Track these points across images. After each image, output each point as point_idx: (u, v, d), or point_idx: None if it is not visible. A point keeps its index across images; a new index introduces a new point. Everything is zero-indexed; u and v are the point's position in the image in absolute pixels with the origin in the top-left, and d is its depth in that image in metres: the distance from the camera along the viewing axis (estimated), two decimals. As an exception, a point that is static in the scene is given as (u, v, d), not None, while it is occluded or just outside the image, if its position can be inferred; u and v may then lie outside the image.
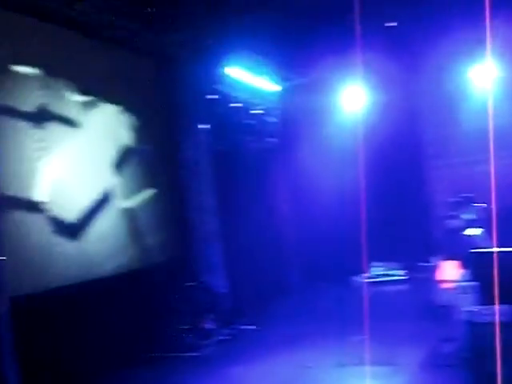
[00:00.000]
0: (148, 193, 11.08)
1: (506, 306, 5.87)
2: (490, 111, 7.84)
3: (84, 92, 9.67)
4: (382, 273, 14.67)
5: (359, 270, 12.88)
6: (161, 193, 11.35)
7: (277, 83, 14.03)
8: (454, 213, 8.75)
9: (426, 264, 12.03)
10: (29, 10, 8.42)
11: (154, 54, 11.30)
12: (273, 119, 14.77)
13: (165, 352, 9.90)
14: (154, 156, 11.30)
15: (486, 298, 6.07)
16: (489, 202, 9.44)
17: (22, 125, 8.40)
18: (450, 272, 8.28)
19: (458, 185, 12.86)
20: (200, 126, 12.04)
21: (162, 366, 9.45)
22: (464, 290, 7.20)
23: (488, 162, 13.05)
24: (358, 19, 9.03)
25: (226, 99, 12.72)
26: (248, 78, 12.97)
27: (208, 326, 10.65)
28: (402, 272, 14.63)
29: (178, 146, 11.95)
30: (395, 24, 11.90)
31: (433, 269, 8.98)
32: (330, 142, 13.97)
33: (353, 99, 13.15)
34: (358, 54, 9.93)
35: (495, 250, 6.68)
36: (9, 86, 8.22)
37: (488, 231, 8.47)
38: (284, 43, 11.71)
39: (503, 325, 5.80)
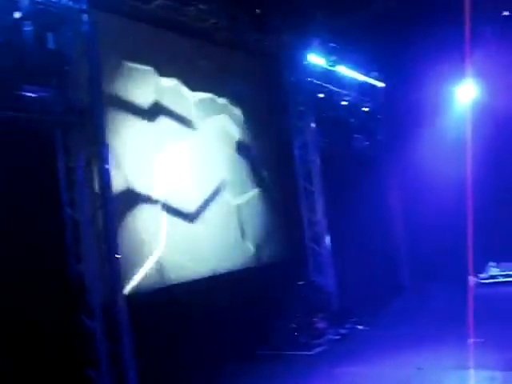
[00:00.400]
0: (257, 191, 11.27)
1: None
2: None
3: (197, 91, 10.08)
4: (498, 273, 14.09)
5: (474, 270, 12.46)
6: (271, 192, 11.54)
7: (385, 79, 13.84)
8: None
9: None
10: (142, 17, 8.91)
11: (262, 55, 11.51)
12: (381, 116, 14.60)
13: (277, 350, 10.07)
14: (264, 155, 11.50)
15: None
16: None
17: (139, 120, 8.92)
18: None
19: None
20: (309, 125, 12.09)
21: (273, 363, 9.60)
22: None
23: None
24: (471, 9, 8.79)
25: (334, 97, 12.72)
26: (356, 75, 12.90)
27: (319, 325, 10.67)
28: (519, 273, 13.98)
29: (287, 145, 12.08)
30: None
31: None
32: (442, 137, 13.55)
33: (466, 92, 12.72)
34: (472, 45, 9.67)
35: None
36: (127, 84, 8.75)
37: None
38: (393, 38, 11.54)
39: None
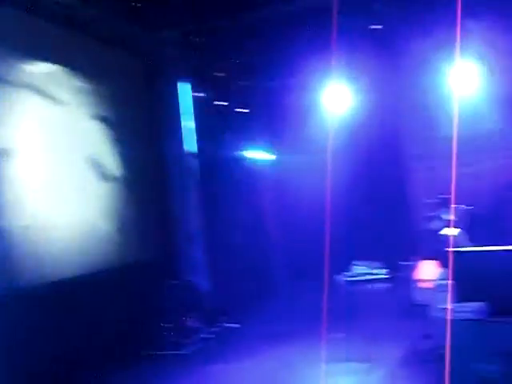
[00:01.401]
0: (130, 186, 11.04)
1: (479, 304, 6.02)
2: (456, 116, 7.98)
3: (72, 79, 9.87)
4: (364, 271, 14.77)
5: (342, 269, 12.97)
6: (145, 190, 11.38)
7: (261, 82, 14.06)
8: (434, 213, 8.91)
9: (407, 263, 12.23)
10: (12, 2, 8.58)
11: (140, 51, 11.39)
12: (258, 118, 14.85)
13: (148, 350, 9.98)
14: (141, 152, 11.32)
15: (461, 296, 6.21)
16: (468, 204, 9.63)
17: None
18: (428, 271, 8.44)
19: (441, 186, 12.96)
20: (186, 124, 12.10)
21: (144, 364, 9.52)
22: (441, 288, 7.34)
23: (471, 164, 13.28)
24: (340, 19, 9.11)
25: (210, 98, 12.81)
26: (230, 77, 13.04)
27: (191, 324, 10.72)
28: (383, 271, 14.72)
29: (164, 143, 12.00)
30: (381, 27, 11.93)
31: (413, 268, 9.14)
32: (312, 141, 13.98)
33: (335, 100, 13.00)
34: (341, 54, 10.02)
35: (471, 249, 6.86)
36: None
37: (466, 231, 8.65)
38: (263, 39, 11.72)
39: (476, 322, 5.96)
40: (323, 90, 12.59)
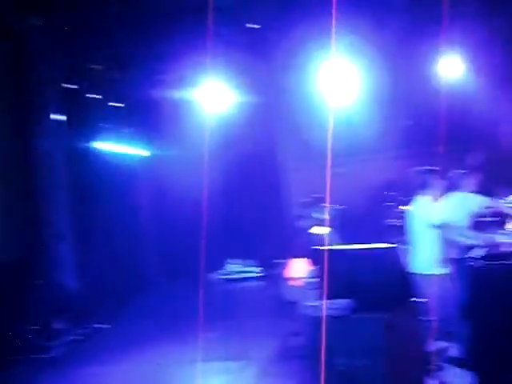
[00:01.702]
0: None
1: (344, 301, 6.20)
2: (332, 116, 8.19)
3: None
4: (238, 270, 14.93)
5: (216, 268, 13.06)
6: (10, 185, 10.76)
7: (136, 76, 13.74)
8: (304, 212, 9.08)
9: (280, 261, 12.45)
10: None
11: (6, 37, 10.78)
12: (133, 113, 14.55)
13: (11, 355, 9.46)
14: (3, 145, 10.67)
15: (330, 294, 6.34)
16: (339, 203, 9.90)
17: None
18: (298, 269, 8.59)
19: (314, 186, 13.29)
20: (55, 117, 11.61)
21: (6, 369, 9.02)
22: (309, 286, 7.48)
23: (345, 164, 13.69)
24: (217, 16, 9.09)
25: (84, 91, 12.39)
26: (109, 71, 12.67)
27: (58, 326, 10.34)
28: (257, 269, 14.95)
29: (32, 137, 11.42)
30: (258, 26, 12.01)
31: (285, 266, 9.28)
32: (188, 138, 13.87)
33: (210, 97, 12.91)
34: (215, 53, 10.02)
35: (337, 247, 7.05)
36: None
37: (336, 230, 8.88)
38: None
39: (341, 318, 6.12)
40: (199, 87, 12.50)
